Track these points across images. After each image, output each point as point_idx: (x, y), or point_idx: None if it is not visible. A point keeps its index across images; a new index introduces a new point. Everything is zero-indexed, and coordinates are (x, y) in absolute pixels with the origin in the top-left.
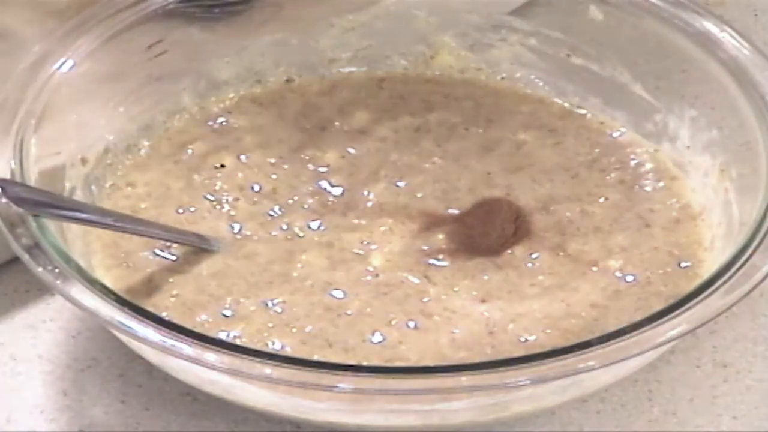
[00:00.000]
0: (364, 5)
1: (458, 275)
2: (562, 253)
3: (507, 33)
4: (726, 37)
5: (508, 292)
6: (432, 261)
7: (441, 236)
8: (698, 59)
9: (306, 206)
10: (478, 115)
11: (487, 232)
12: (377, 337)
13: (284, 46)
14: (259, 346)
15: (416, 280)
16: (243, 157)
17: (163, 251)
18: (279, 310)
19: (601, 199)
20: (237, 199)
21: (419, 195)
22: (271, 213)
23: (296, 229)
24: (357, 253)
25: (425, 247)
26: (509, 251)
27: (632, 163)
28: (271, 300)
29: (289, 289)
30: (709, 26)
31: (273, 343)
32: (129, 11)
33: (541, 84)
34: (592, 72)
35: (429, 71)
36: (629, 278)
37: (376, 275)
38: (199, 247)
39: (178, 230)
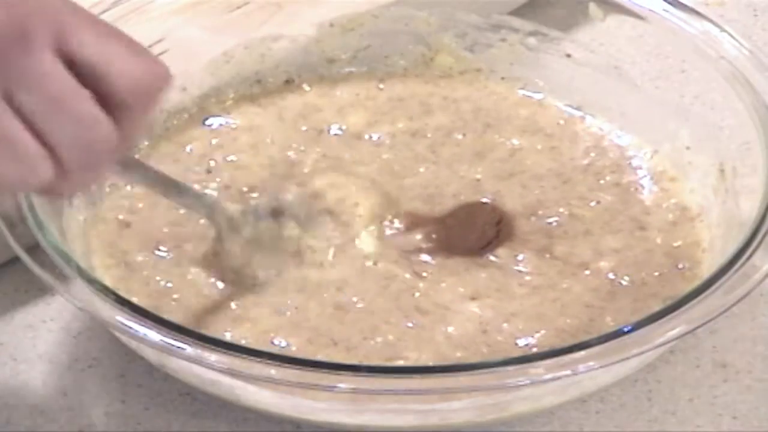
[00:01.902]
0: (363, 5)
1: (443, 272)
2: (548, 255)
3: (507, 33)
4: (726, 37)
5: (496, 290)
6: (414, 258)
7: (419, 236)
8: (698, 59)
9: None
10: (476, 120)
11: (465, 234)
12: (377, 336)
13: (284, 46)
14: (261, 346)
15: (407, 275)
16: (242, 157)
17: (161, 250)
18: (280, 310)
19: (593, 203)
20: (231, 198)
21: (408, 196)
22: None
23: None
24: (350, 249)
25: (407, 245)
26: (490, 253)
27: (631, 164)
28: (272, 297)
29: (290, 287)
30: (709, 26)
31: (278, 343)
32: (129, 11)
33: (541, 84)
34: (592, 72)
35: (429, 72)
36: (624, 280)
37: (375, 263)
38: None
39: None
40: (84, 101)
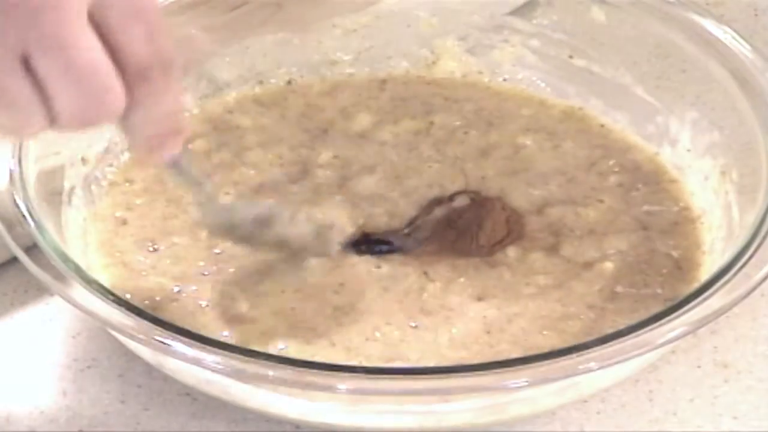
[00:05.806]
0: (365, 6)
1: (453, 273)
2: (556, 254)
3: (509, 34)
4: (726, 37)
5: (503, 290)
6: (424, 258)
7: (431, 237)
8: (698, 59)
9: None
10: (479, 119)
11: (476, 233)
12: (379, 336)
13: (286, 46)
14: (260, 347)
15: (416, 277)
16: (243, 156)
17: (157, 248)
18: (281, 309)
19: (597, 203)
20: (227, 194)
21: (413, 196)
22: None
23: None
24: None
25: (416, 245)
26: (501, 252)
27: (632, 165)
28: (270, 298)
29: (290, 287)
30: (709, 26)
31: (277, 344)
32: None
33: (543, 85)
34: (593, 73)
35: (431, 73)
36: (626, 280)
37: (378, 266)
38: None
39: None
40: (103, 74)
